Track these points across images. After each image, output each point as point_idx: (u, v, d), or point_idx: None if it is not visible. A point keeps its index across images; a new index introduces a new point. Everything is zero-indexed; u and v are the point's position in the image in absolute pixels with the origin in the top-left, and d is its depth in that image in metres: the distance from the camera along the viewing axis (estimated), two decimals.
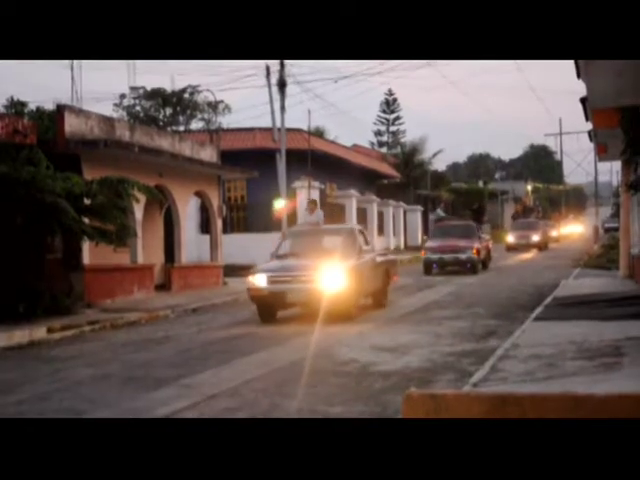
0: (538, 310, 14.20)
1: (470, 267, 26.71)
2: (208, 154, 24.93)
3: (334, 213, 35.94)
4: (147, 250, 20.88)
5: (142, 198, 18.58)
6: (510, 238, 42.72)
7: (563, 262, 30.54)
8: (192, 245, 25.56)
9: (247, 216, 31.57)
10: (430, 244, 28.38)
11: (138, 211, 19.68)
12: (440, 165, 77.21)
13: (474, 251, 26.79)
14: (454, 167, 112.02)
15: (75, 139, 17.85)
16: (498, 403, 4.06)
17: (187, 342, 12.66)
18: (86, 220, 16.09)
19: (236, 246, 28.26)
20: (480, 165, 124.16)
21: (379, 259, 16.85)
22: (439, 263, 27.29)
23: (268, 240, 28.35)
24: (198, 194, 24.96)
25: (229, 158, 27.48)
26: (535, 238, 42.02)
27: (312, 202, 18.80)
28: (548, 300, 15.80)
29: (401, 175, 52.96)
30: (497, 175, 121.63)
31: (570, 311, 13.62)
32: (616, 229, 35.04)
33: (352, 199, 37.64)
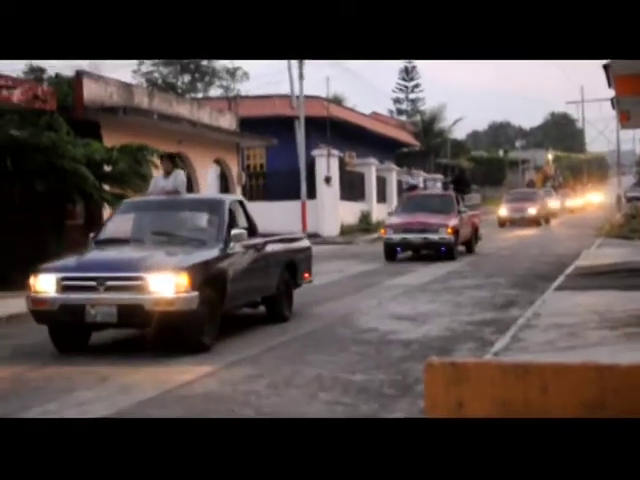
0: (560, 280, 14.11)
1: (445, 251, 19.91)
2: (227, 121, 24.85)
3: (354, 182, 35.87)
4: None
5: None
6: (502, 211, 35.93)
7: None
8: None
9: (266, 184, 31.47)
10: (393, 220, 21.11)
11: None
12: (460, 133, 76.82)
13: (449, 230, 19.87)
14: (474, 135, 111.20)
15: (94, 106, 17.82)
16: (520, 372, 4.03)
17: None
18: (106, 187, 16.10)
19: (255, 214, 28.13)
20: (500, 133, 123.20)
21: (272, 248, 11.00)
22: (404, 245, 20.44)
23: (287, 208, 28.47)
24: (217, 162, 24.93)
25: (248, 125, 27.37)
26: (531, 211, 35.30)
27: (167, 158, 11.49)
28: (569, 270, 15.69)
29: (420, 143, 52.64)
30: (518, 144, 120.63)
31: (592, 281, 13.52)
32: (639, 198, 34.27)
33: (371, 167, 37.44)
